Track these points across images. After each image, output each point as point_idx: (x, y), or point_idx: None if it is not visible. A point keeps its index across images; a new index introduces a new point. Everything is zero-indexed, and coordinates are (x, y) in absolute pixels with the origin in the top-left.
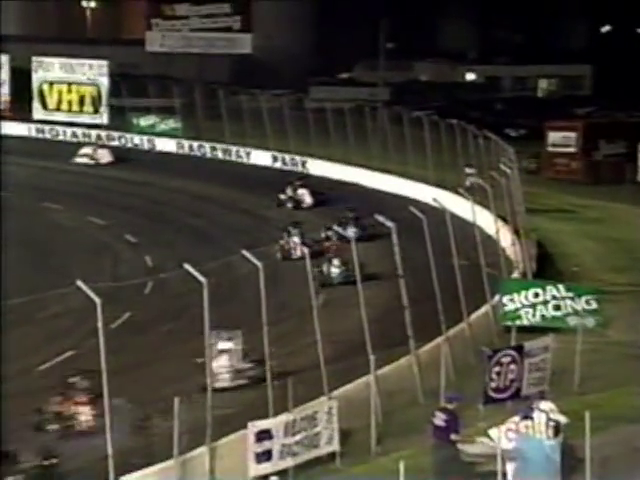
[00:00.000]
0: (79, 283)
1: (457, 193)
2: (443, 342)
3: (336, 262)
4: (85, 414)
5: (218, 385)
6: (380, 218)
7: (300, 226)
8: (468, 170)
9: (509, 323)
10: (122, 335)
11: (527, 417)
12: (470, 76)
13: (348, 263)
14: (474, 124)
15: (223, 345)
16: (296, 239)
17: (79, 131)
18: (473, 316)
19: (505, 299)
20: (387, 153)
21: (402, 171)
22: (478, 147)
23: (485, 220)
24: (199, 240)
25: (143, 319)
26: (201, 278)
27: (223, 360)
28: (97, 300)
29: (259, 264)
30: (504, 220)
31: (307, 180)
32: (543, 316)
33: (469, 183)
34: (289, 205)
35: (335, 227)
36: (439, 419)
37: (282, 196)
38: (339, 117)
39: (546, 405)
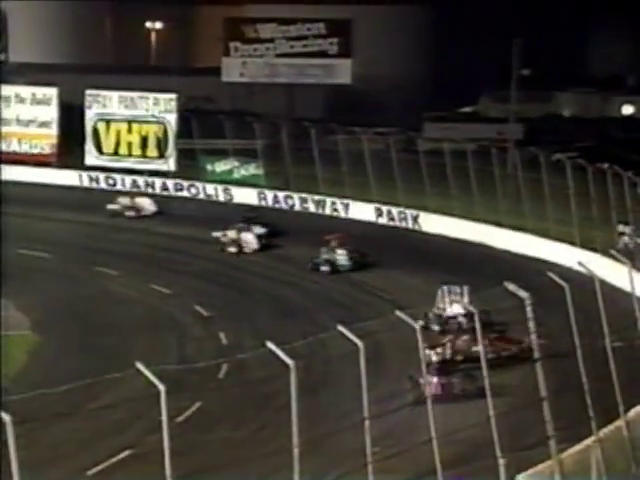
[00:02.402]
0: (139, 366)
1: (609, 256)
2: (594, 444)
3: (341, 251)
4: None
5: None
6: (511, 286)
7: None
8: (623, 228)
9: None
10: (190, 431)
11: None
12: (628, 109)
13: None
14: (632, 170)
15: None
16: None
17: (141, 179)
18: (632, 412)
19: None
20: (520, 206)
21: (539, 228)
22: (636, 198)
23: None
24: (285, 313)
25: (216, 411)
26: (288, 360)
27: None
28: (161, 387)
29: (359, 343)
30: None
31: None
32: None
33: (624, 244)
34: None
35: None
36: None
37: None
38: (460, 161)
39: None
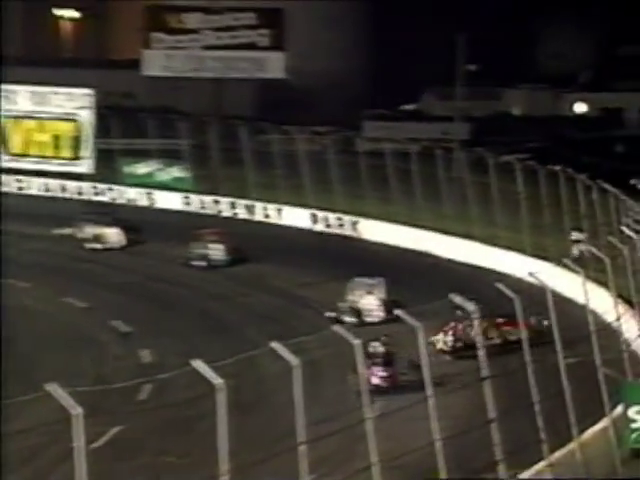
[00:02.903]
0: (50, 387)
1: (562, 265)
2: (545, 469)
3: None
4: None
5: None
6: (457, 299)
7: None
8: (577, 235)
9: (637, 446)
10: (108, 458)
11: None
12: (581, 107)
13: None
14: (586, 172)
15: None
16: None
17: (54, 183)
18: (586, 435)
19: (632, 411)
20: (467, 211)
21: (487, 236)
22: (591, 204)
23: (601, 302)
24: (212, 329)
25: (137, 436)
26: (215, 379)
27: None
28: (76, 410)
29: (294, 361)
30: (628, 303)
31: None
32: None
33: (578, 252)
34: None
35: None
36: None
37: None
38: (402, 162)
39: None
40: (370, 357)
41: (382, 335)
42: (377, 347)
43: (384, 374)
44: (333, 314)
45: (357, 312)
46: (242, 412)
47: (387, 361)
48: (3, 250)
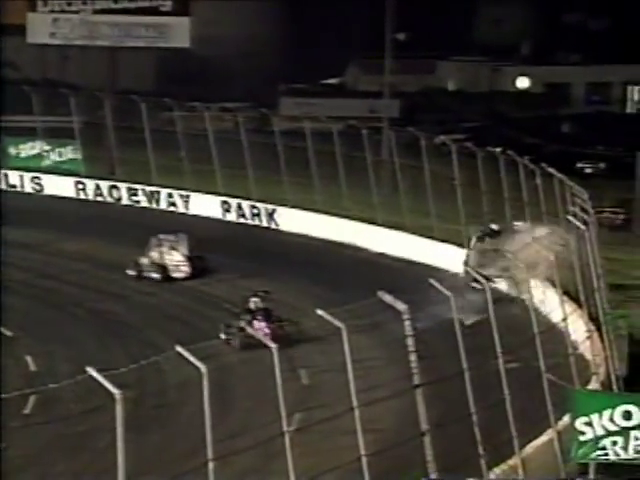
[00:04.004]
0: None
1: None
2: None
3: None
4: None
5: None
6: (386, 297)
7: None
8: (518, 225)
9: (585, 460)
10: None
11: None
12: (523, 82)
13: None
14: (528, 155)
15: None
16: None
17: None
18: (528, 448)
19: (579, 422)
20: (396, 199)
21: (419, 226)
22: (534, 190)
23: (546, 301)
24: (109, 333)
25: (22, 454)
26: (113, 389)
27: None
28: None
29: (202, 367)
30: (575, 301)
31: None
32: None
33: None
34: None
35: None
36: None
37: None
38: (324, 144)
39: None
40: (251, 312)
41: (260, 291)
42: (258, 303)
43: (267, 330)
44: (134, 272)
45: (162, 268)
46: None
47: (267, 315)
48: None
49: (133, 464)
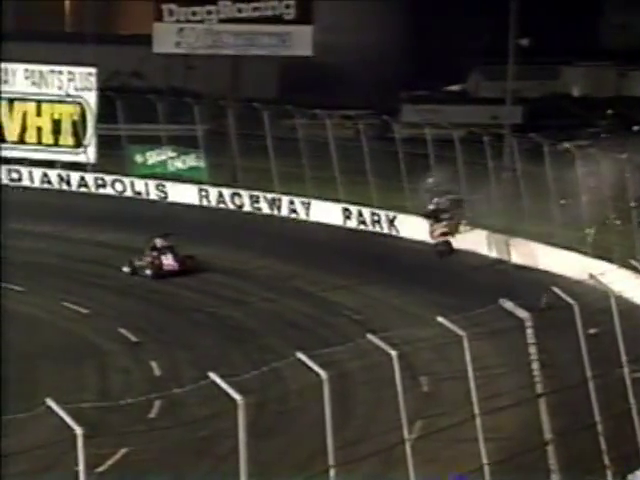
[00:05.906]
0: (50, 403)
1: (629, 268)
2: None
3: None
4: None
5: None
6: (508, 304)
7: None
8: None
9: None
10: None
11: None
12: None
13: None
14: None
15: None
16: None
17: (53, 173)
18: None
19: None
20: (519, 205)
21: (539, 232)
22: None
23: None
24: (232, 338)
25: (147, 458)
26: (236, 395)
27: None
28: (77, 430)
29: (323, 374)
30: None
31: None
32: None
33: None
34: None
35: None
36: None
37: None
38: (445, 150)
39: None
40: (157, 250)
41: (164, 233)
42: (162, 242)
43: (174, 263)
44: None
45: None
46: None
47: (173, 252)
48: None
49: (254, 469)
